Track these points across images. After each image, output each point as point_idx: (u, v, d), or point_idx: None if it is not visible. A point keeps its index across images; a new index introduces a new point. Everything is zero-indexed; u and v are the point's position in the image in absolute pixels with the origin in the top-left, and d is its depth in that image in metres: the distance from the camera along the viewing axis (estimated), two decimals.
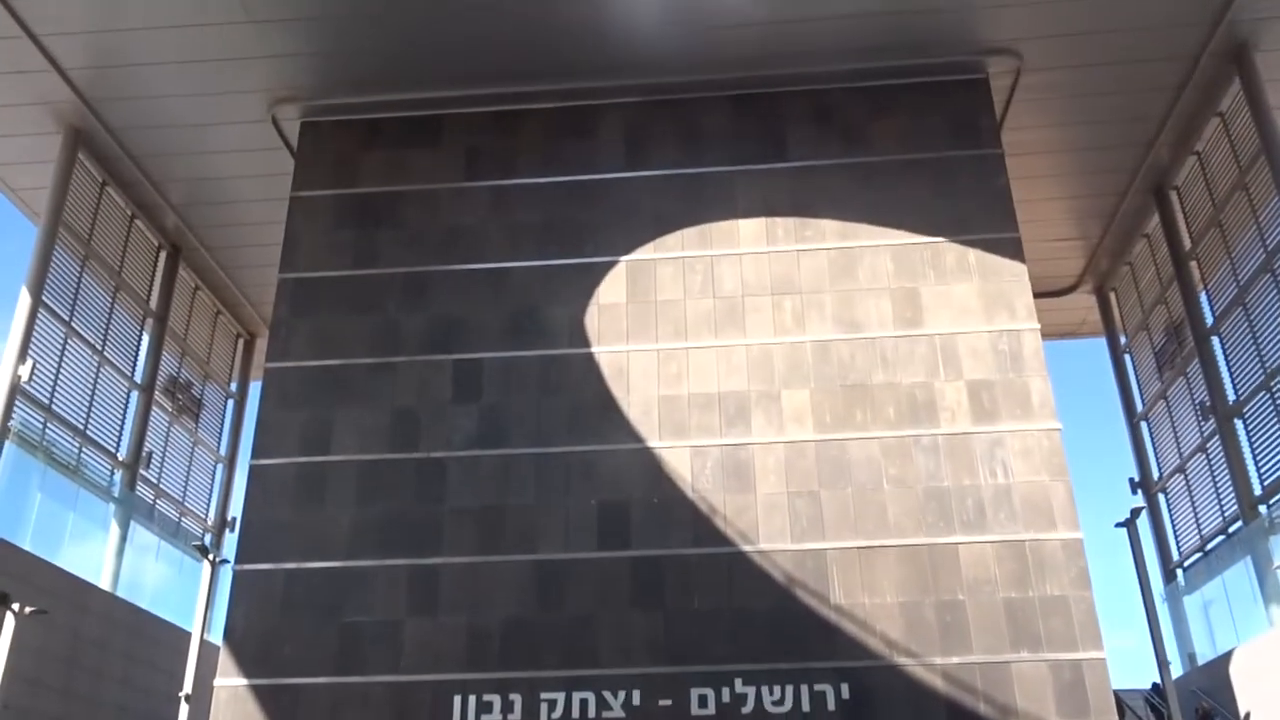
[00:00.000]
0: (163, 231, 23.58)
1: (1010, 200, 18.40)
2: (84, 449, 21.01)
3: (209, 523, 26.22)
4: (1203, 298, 21.75)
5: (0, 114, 19.69)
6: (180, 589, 23.78)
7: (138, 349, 23.28)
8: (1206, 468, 21.70)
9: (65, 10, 17.53)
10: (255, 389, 26.78)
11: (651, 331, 17.93)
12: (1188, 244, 21.99)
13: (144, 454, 22.91)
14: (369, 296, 18.57)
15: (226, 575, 17.66)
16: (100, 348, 21.57)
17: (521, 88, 19.62)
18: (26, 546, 18.12)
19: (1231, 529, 20.67)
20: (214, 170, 21.70)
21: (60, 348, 20.20)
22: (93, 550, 21.41)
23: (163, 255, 23.99)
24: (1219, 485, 21.17)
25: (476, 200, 19.29)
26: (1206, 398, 21.29)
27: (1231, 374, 20.68)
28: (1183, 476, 22.93)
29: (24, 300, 18.89)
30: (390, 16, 18.17)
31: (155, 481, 23.63)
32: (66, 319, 20.33)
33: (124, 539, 22.14)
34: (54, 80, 18.80)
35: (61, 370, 20.20)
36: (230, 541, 24.12)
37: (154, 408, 23.44)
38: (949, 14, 18.33)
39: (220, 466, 27.06)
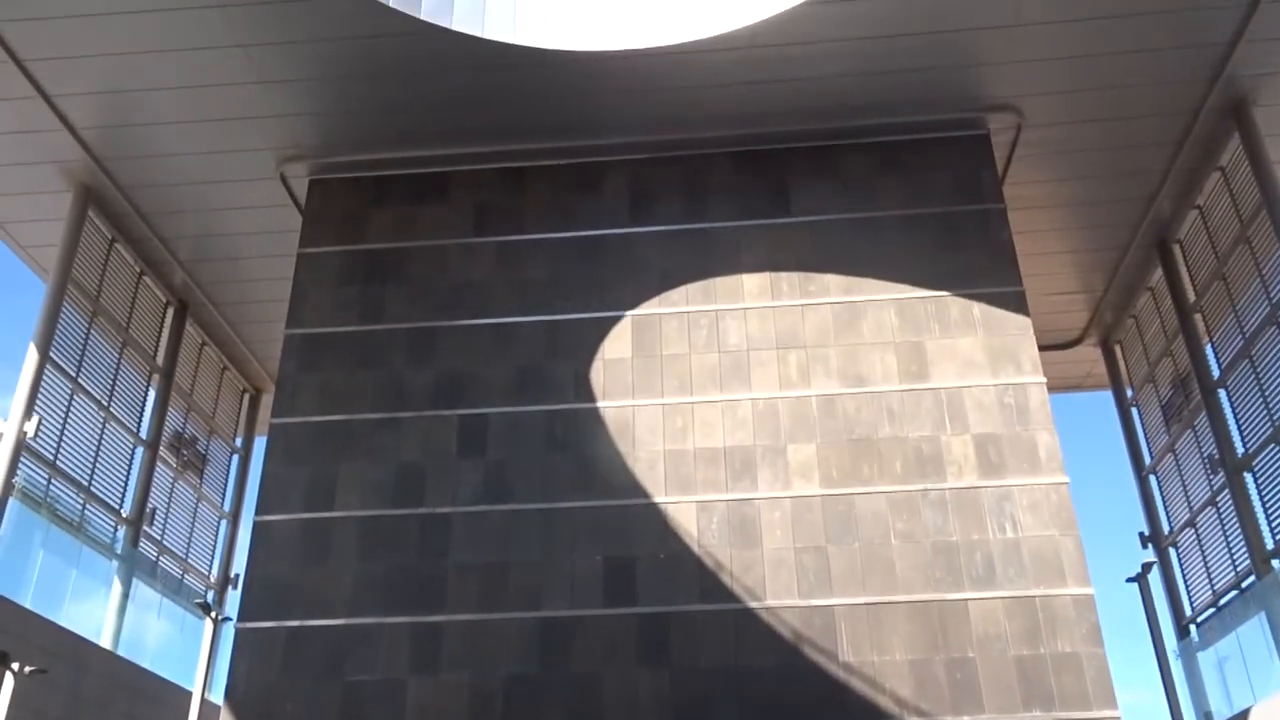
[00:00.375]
0: (170, 288, 23.73)
1: (1013, 254, 18.50)
2: (88, 505, 20.94)
3: (212, 580, 26.04)
4: (1208, 350, 21.71)
5: (11, 172, 19.92)
6: (182, 647, 23.57)
7: (143, 405, 23.29)
8: (1217, 521, 21.50)
9: (78, 71, 17.82)
10: (260, 444, 26.78)
11: (657, 386, 17.93)
12: (1192, 297, 22.01)
13: (148, 510, 22.82)
14: (375, 352, 18.62)
15: (228, 633, 17.50)
16: (106, 404, 21.59)
17: (528, 145, 19.86)
18: (27, 604, 17.98)
19: (1245, 584, 20.42)
20: (222, 227, 21.88)
21: (66, 404, 20.23)
22: (94, 608, 21.26)
23: (170, 311, 24.11)
24: (1230, 539, 20.96)
25: (483, 256, 19.42)
26: (1215, 451, 21.16)
27: (1240, 427, 20.57)
28: (1193, 531, 22.71)
29: (31, 356, 18.96)
30: (397, 76, 18.46)
31: (158, 538, 23.51)
32: (73, 375, 20.38)
33: (126, 596, 21.98)
34: (66, 139, 19.06)
35: (67, 426, 20.21)
36: (233, 599, 23.98)
37: (159, 464, 23.39)
38: (950, 71, 18.57)
39: (224, 523, 26.94)
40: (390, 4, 17.07)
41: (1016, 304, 18.11)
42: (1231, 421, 20.82)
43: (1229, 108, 18.95)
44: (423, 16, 17.36)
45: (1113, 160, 20.31)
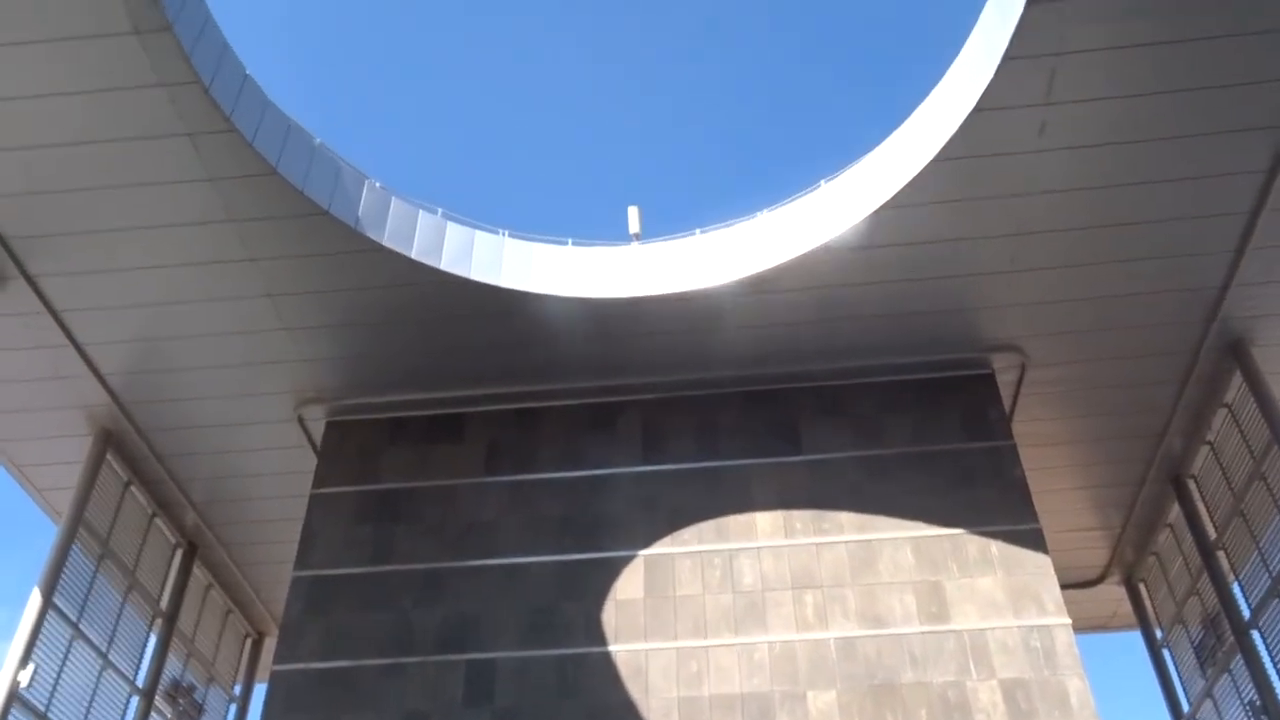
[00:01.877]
0: (181, 529, 23.61)
1: (1027, 491, 18.42)
2: None
3: None
4: (1236, 589, 21.12)
5: (35, 417, 20.27)
6: None
7: (143, 650, 22.63)
8: None
9: (110, 321, 18.50)
10: (260, 691, 25.81)
11: (670, 628, 17.45)
12: (1213, 534, 21.65)
13: None
14: (383, 593, 18.30)
15: None
16: (105, 650, 20.98)
17: (542, 386, 20.28)
18: None
19: None
20: (237, 468, 22.05)
21: (64, 651, 19.65)
22: None
23: (179, 553, 23.87)
24: None
25: (496, 495, 19.44)
26: (1255, 697, 20.19)
27: (1279, 670, 19.71)
28: None
29: (34, 601, 18.61)
30: (417, 322, 19.14)
31: None
32: (75, 620, 19.92)
33: None
34: (92, 385, 19.52)
35: (63, 675, 19.54)
36: None
37: (153, 713, 22.46)
38: (951, 314, 19.16)
39: None
40: (413, 257, 17.93)
41: (1034, 542, 17.85)
42: (1269, 665, 19.96)
43: (1228, 347, 19.35)
44: (443, 268, 18.21)
45: (1119, 398, 20.56)
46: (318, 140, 17.40)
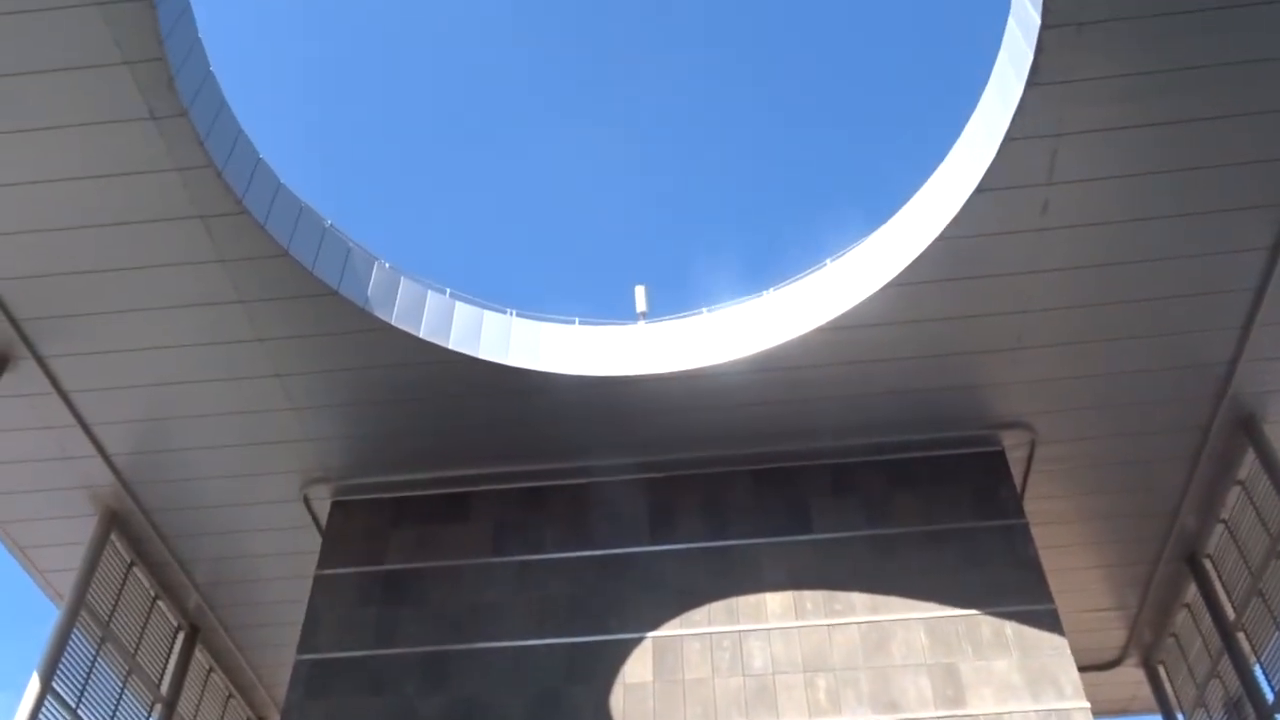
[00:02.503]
0: (183, 612, 23.31)
1: (1041, 571, 18.14)
2: None
3: None
4: (1258, 671, 20.65)
5: (40, 498, 20.18)
6: None
7: None
8: None
9: (118, 401, 18.50)
10: None
11: (679, 713, 17.06)
12: (1231, 614, 21.25)
13: None
14: (387, 678, 17.96)
15: None
16: None
17: (549, 465, 20.16)
18: None
19: None
20: (241, 549, 21.85)
21: None
22: None
23: (180, 636, 23.54)
24: None
25: (502, 575, 19.19)
26: None
27: None
28: None
29: (33, 686, 18.30)
30: (425, 401, 19.13)
31: None
32: (74, 706, 19.57)
33: None
34: (98, 465, 19.47)
35: None
36: None
37: None
38: (959, 391, 19.10)
39: None
40: (421, 336, 18.00)
41: (1050, 623, 17.51)
42: None
43: (1239, 424, 19.20)
44: (451, 347, 18.26)
45: (1131, 475, 20.37)
46: (328, 222, 17.62)
